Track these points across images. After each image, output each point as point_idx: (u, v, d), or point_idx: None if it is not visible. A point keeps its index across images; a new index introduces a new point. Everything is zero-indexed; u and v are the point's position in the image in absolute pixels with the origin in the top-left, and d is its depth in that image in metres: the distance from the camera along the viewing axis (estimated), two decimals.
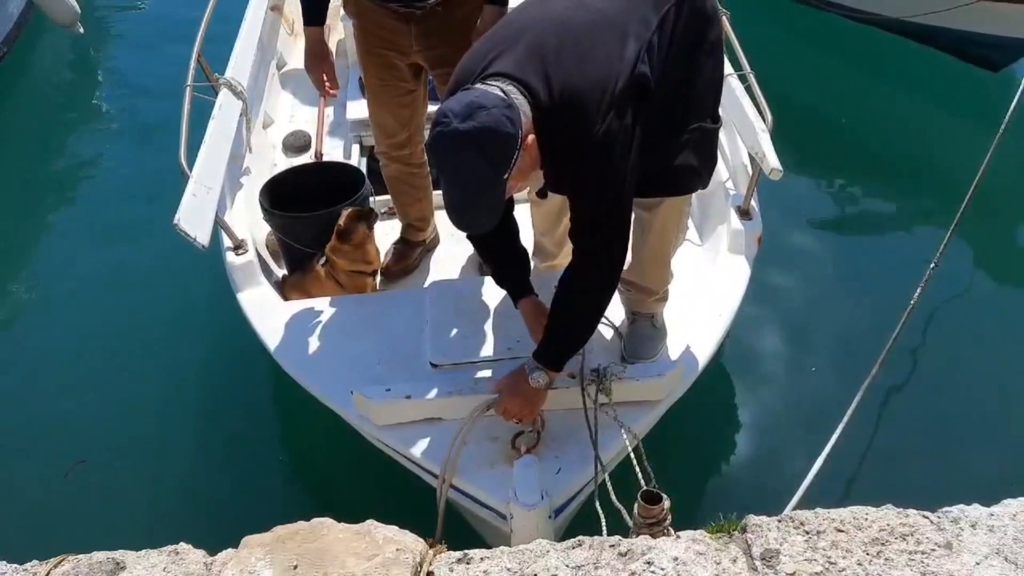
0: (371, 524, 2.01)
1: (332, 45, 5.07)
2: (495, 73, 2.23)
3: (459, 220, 2.27)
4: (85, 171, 5.79)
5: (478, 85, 2.19)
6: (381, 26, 3.16)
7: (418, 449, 2.68)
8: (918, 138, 5.71)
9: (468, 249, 3.77)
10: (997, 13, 5.51)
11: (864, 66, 6.32)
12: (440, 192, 3.69)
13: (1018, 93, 3.94)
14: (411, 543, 1.96)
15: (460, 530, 2.67)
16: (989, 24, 5.58)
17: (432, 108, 3.58)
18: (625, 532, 2.23)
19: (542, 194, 2.56)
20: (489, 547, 2.02)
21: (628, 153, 2.29)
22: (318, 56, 3.21)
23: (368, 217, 3.41)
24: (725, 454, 3.71)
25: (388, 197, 3.77)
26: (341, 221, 3.36)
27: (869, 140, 5.71)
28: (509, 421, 2.61)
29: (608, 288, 2.49)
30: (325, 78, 3.23)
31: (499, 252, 2.72)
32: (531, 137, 2.17)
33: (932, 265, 3.70)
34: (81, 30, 6.96)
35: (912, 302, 3.63)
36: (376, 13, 3.14)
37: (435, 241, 3.81)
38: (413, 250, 3.72)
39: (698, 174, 2.65)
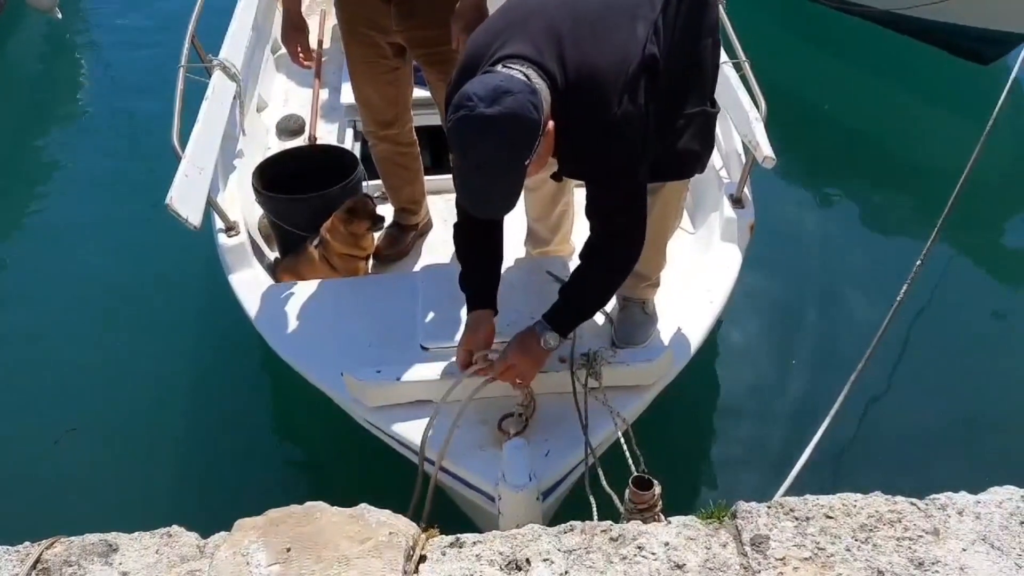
0: (364, 508, 2.02)
1: (327, 30, 5.08)
2: (512, 55, 2.21)
3: (477, 205, 2.24)
4: (69, 156, 5.70)
5: (499, 68, 2.17)
6: (362, 5, 3.18)
7: (407, 431, 2.68)
8: (908, 131, 5.72)
9: None
10: (986, 6, 5.50)
11: (855, 59, 6.32)
12: (431, 177, 3.75)
13: (1007, 87, 3.94)
14: (404, 527, 1.97)
15: (450, 514, 2.68)
16: (978, 17, 5.58)
17: (418, 92, 3.57)
18: (615, 517, 2.24)
19: (556, 178, 2.57)
20: (479, 530, 2.04)
21: (644, 134, 2.31)
22: (295, 27, 3.24)
23: (377, 222, 3.44)
24: (714, 440, 3.73)
25: (381, 182, 3.76)
26: (352, 203, 3.37)
27: (859, 132, 5.72)
28: (507, 382, 2.60)
29: (629, 265, 2.53)
30: (300, 49, 3.25)
31: (480, 247, 2.66)
32: (551, 123, 2.18)
33: (922, 254, 3.71)
34: (60, 15, 6.79)
35: (903, 291, 3.64)
36: None
37: (428, 226, 3.81)
38: (406, 234, 3.71)
39: (699, 158, 2.67)
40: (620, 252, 2.49)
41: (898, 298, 3.64)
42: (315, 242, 3.40)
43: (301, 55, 3.27)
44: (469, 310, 2.67)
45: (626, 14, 2.32)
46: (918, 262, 3.70)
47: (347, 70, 3.51)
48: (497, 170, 2.12)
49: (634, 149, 2.31)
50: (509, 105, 2.05)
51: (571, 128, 2.24)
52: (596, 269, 2.52)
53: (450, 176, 2.42)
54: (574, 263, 2.94)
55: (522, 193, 3.13)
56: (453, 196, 2.46)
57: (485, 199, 2.21)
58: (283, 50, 4.84)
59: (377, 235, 3.58)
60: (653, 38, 2.31)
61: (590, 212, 2.45)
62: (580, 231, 3.21)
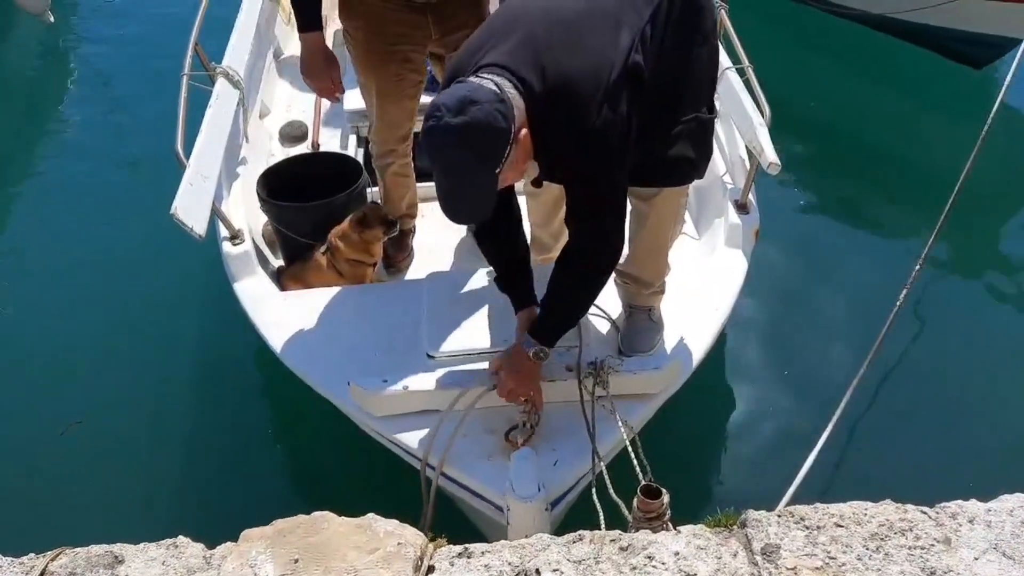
0: (372, 518, 2.01)
1: (329, 35, 5.05)
2: (488, 64, 2.23)
3: (450, 210, 2.26)
4: (70, 164, 5.67)
5: (471, 78, 2.19)
6: (395, 22, 3.10)
7: (413, 440, 2.67)
8: (904, 135, 5.73)
9: (464, 237, 3.76)
10: (980, 10, 5.51)
11: (850, 63, 6.33)
12: (423, 184, 3.73)
13: (1001, 91, 3.94)
14: (412, 537, 1.96)
15: (458, 523, 2.67)
16: (972, 21, 5.59)
17: (426, 99, 3.55)
18: (622, 525, 2.23)
19: (537, 183, 2.56)
20: (486, 539, 2.03)
21: (624, 143, 2.30)
22: (326, 63, 3.11)
23: (390, 227, 3.42)
24: (720, 447, 3.72)
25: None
26: (366, 210, 3.37)
27: (857, 136, 5.72)
28: (512, 402, 2.61)
29: (605, 272, 2.52)
30: (332, 84, 3.15)
31: (502, 248, 2.68)
32: (524, 131, 2.18)
33: (921, 258, 3.71)
34: (51, 19, 6.70)
35: (902, 296, 3.63)
36: (387, 11, 3.08)
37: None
38: (408, 237, 3.73)
39: (694, 165, 2.65)
40: (595, 257, 2.48)
41: (898, 302, 3.63)
42: (323, 249, 3.40)
43: (334, 89, 3.17)
44: (516, 310, 2.70)
45: (609, 21, 2.31)
46: (917, 267, 3.70)
47: (364, 90, 3.40)
48: (465, 177, 2.16)
49: (612, 155, 2.31)
50: (474, 115, 2.08)
51: (548, 134, 2.25)
52: (572, 275, 2.51)
53: None
54: None
55: (524, 199, 3.19)
56: None
57: (455, 205, 2.24)
58: (285, 55, 4.87)
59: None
60: (639, 46, 2.30)
61: (568, 217, 2.46)
62: None
